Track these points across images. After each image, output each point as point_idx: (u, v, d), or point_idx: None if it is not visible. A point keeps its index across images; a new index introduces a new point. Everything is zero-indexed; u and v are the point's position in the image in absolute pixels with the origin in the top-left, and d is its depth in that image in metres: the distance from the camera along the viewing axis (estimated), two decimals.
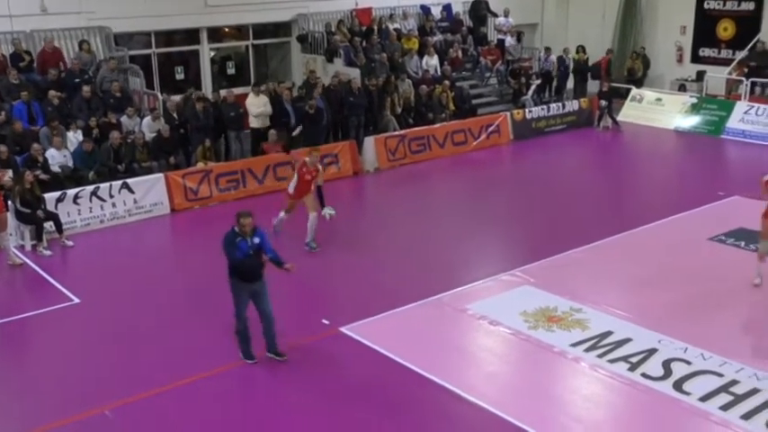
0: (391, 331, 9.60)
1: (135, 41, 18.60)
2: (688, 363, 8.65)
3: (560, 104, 20.47)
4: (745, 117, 19.18)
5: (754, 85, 20.18)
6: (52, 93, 15.21)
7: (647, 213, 13.45)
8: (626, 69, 22.74)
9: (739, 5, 21.93)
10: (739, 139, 18.95)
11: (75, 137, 14.69)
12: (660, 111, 20.66)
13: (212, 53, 20.06)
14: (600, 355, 8.87)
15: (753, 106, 19.27)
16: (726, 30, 22.31)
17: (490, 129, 18.82)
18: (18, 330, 9.95)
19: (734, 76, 20.74)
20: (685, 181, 16.41)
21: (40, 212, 12.39)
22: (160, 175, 14.24)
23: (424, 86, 18.81)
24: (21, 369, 9.16)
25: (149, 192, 13.97)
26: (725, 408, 7.84)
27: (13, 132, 14.11)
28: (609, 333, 9.34)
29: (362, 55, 19.39)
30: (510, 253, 12.15)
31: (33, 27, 16.55)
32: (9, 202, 12.15)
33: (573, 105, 20.53)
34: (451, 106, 19.15)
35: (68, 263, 12.35)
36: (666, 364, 8.62)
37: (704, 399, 8.00)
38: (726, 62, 21.66)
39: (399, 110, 18.21)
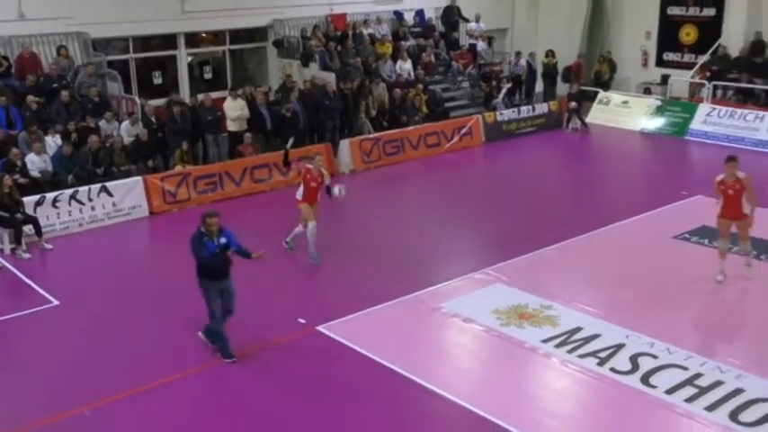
0: (367, 330, 9.72)
1: (113, 47, 18.57)
2: (654, 357, 8.81)
3: (530, 107, 20.79)
4: (707, 119, 19.66)
5: (716, 88, 20.64)
6: (30, 98, 15.18)
7: (615, 213, 13.73)
8: (593, 73, 23.11)
9: (701, 12, 22.48)
10: (702, 140, 19.37)
11: (54, 141, 14.70)
12: (626, 113, 21.06)
13: (190, 58, 20.05)
14: (570, 351, 9.04)
15: (715, 108, 19.75)
16: (688, 35, 22.86)
17: (462, 131, 19.07)
18: None
19: (697, 80, 21.17)
20: (651, 181, 16.72)
21: (18, 216, 12.40)
22: (139, 179, 14.31)
23: (397, 90, 19.02)
24: (0, 370, 9.12)
25: (128, 195, 14.04)
26: (689, 400, 8.02)
27: None
28: (578, 329, 9.53)
29: (337, 59, 19.55)
30: (482, 252, 12.34)
31: (11, 33, 16.50)
32: None
33: (542, 108, 20.84)
34: (424, 109, 19.37)
35: (48, 265, 12.36)
36: (634, 359, 8.79)
37: (670, 392, 8.16)
38: (689, 66, 22.09)
39: (374, 113, 18.42)
